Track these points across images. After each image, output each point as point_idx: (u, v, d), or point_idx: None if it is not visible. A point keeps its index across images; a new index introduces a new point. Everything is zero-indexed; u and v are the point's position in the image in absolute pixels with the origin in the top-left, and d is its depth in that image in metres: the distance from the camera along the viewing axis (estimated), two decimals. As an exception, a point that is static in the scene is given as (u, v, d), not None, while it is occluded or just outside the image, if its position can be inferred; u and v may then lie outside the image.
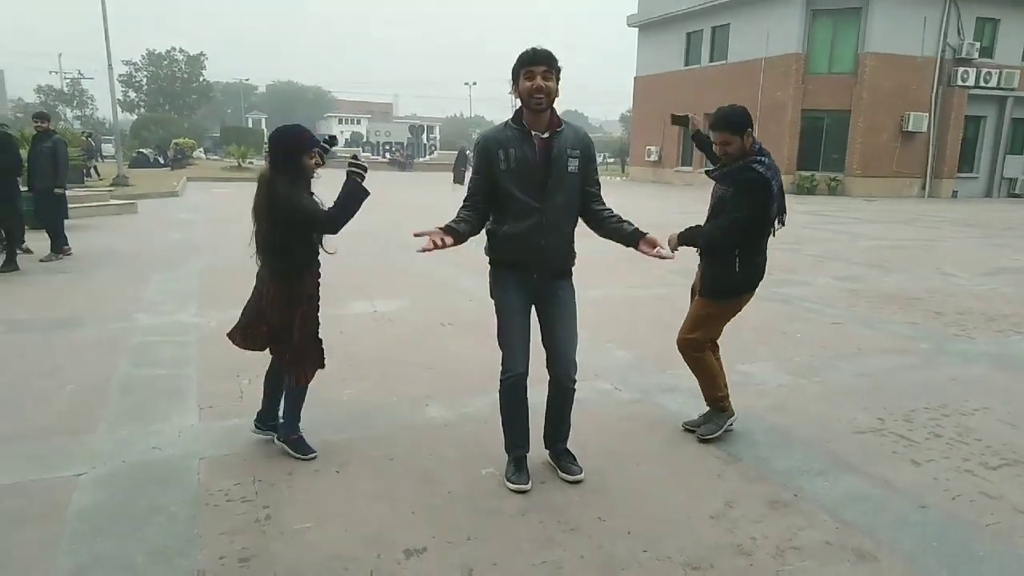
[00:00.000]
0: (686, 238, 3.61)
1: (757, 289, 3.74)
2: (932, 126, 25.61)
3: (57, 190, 9.14)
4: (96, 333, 5.71)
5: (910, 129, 25.15)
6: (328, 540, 2.81)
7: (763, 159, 3.51)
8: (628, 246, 3.28)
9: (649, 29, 33.35)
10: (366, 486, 3.25)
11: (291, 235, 3.33)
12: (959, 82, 25.14)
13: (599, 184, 3.37)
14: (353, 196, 3.30)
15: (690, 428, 3.94)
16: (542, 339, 3.32)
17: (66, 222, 9.51)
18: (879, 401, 4.49)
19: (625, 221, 3.33)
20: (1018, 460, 3.66)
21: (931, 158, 26.06)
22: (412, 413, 4.14)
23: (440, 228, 3.02)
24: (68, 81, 71.52)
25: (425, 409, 4.20)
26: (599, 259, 9.78)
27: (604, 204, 3.37)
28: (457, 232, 3.08)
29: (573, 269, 3.35)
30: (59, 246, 9.23)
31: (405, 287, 7.51)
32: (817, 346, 5.75)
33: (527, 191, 3.10)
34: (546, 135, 3.10)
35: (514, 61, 3.06)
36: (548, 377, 3.35)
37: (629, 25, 34.31)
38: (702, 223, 3.71)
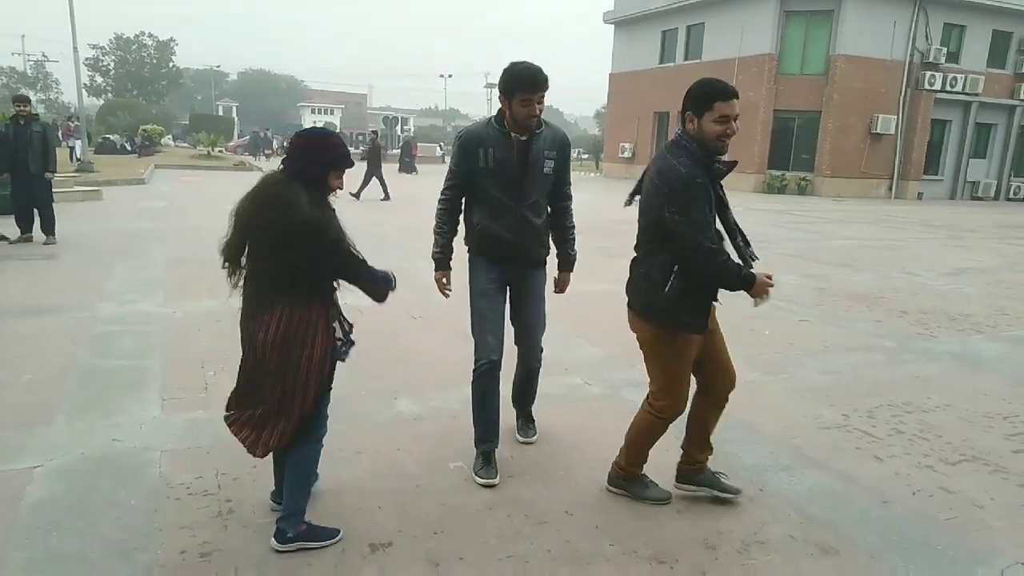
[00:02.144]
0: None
1: None
2: (900, 128, 26.08)
3: (47, 174, 9.20)
4: (56, 322, 5.57)
5: (878, 131, 25.60)
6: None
7: None
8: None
9: (625, 26, 33.45)
10: (332, 480, 3.21)
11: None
12: (926, 86, 25.62)
13: (570, 196, 3.50)
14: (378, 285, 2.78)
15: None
16: (512, 321, 3.46)
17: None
18: (844, 398, 4.55)
19: (570, 244, 3.57)
20: (976, 456, 3.74)
21: (898, 160, 26.54)
22: (381, 407, 4.10)
23: (443, 274, 3.43)
24: (32, 63, 69.75)
25: (394, 403, 4.16)
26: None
27: (569, 217, 3.53)
28: (449, 261, 3.44)
29: (548, 259, 3.46)
30: (53, 228, 9.28)
31: (376, 280, 7.44)
32: (784, 343, 5.81)
33: (504, 190, 3.20)
34: (525, 138, 3.17)
35: (507, 74, 3.06)
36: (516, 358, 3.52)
37: (605, 22, 34.37)
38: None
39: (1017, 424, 4.22)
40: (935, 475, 3.50)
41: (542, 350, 3.53)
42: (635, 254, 2.97)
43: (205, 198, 16.41)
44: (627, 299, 2.99)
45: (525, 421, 3.76)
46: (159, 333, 5.34)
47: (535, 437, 3.71)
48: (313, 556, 2.62)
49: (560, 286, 3.61)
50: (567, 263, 3.58)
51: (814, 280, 8.79)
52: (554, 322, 6.00)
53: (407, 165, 30.32)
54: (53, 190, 9.42)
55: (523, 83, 3.01)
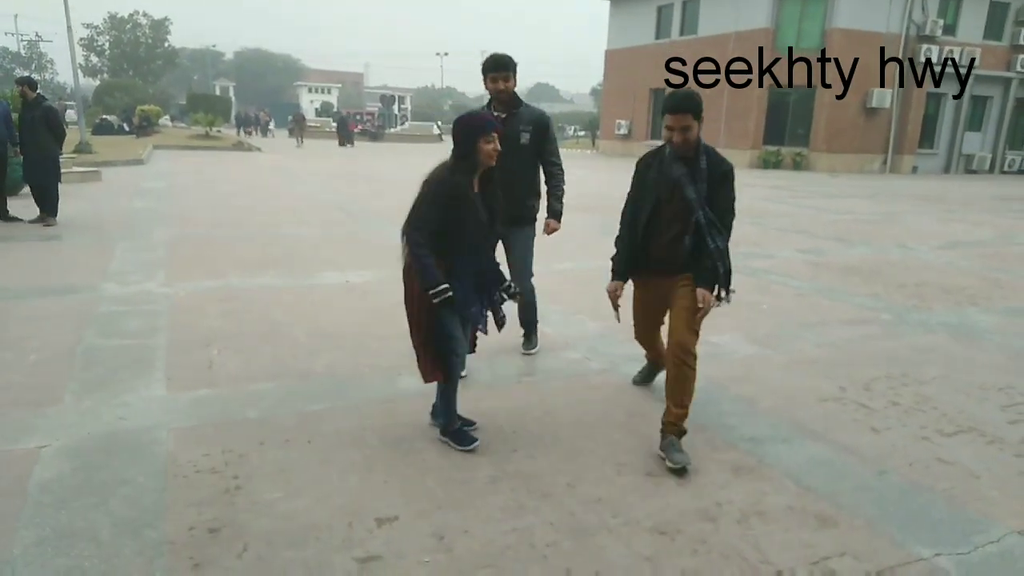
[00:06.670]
0: (711, 281, 3.36)
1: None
2: (895, 102, 25.99)
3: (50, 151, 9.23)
4: (60, 303, 5.57)
5: (873, 105, 25.51)
6: (299, 510, 2.80)
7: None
8: None
9: (621, 2, 33.13)
10: (338, 456, 3.25)
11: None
12: (922, 59, 25.49)
13: (556, 163, 4.34)
14: (421, 274, 3.11)
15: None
16: (507, 259, 4.19)
17: (28, 189, 9.58)
18: (841, 370, 4.60)
19: (557, 198, 4.39)
20: (972, 427, 3.79)
21: (893, 134, 26.48)
22: (385, 384, 4.14)
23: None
24: (25, 44, 68.85)
25: (398, 379, 4.19)
26: (570, 233, 9.81)
27: (559, 175, 4.37)
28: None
29: (537, 216, 4.36)
30: (55, 210, 9.30)
31: (376, 259, 7.44)
32: (782, 317, 5.85)
33: None
34: (505, 115, 4.11)
35: (485, 60, 4.03)
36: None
37: (600, -3, 34.09)
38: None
39: (1013, 395, 4.28)
40: (932, 446, 3.56)
41: (530, 283, 4.44)
42: None
43: (204, 178, 16.33)
44: None
45: (528, 337, 4.66)
46: (163, 313, 5.35)
47: (535, 349, 4.66)
48: (320, 531, 2.66)
49: (547, 229, 4.38)
50: (554, 214, 4.38)
51: (810, 254, 8.82)
52: (554, 299, 6.06)
53: (345, 139, 34.76)
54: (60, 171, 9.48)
55: (486, 67, 4.03)
